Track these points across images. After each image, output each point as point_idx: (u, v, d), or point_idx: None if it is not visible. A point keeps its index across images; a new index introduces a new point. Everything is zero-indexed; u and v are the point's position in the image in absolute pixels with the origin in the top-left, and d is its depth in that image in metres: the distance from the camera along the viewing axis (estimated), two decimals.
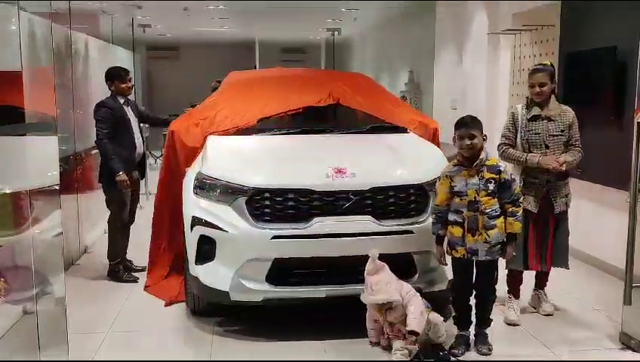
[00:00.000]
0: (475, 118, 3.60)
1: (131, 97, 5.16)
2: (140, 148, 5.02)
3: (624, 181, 3.85)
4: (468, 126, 3.51)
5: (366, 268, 3.52)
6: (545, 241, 4.00)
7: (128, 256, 5.09)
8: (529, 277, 4.21)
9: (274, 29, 13.42)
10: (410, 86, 11.04)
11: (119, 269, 4.91)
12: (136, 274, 4.94)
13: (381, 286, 3.47)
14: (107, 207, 4.94)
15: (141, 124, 5.21)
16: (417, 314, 3.44)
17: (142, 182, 5.39)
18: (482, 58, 7.53)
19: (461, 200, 3.51)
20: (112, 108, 4.79)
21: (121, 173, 4.67)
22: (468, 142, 3.47)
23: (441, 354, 3.54)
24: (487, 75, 7.41)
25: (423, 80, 10.48)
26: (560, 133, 3.94)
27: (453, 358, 3.54)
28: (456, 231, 3.52)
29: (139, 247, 5.06)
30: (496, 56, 7.28)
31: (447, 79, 8.95)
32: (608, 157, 4.97)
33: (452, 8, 8.57)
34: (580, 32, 5.49)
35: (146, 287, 4.68)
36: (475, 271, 3.62)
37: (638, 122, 3.50)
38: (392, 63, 12.42)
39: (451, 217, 3.55)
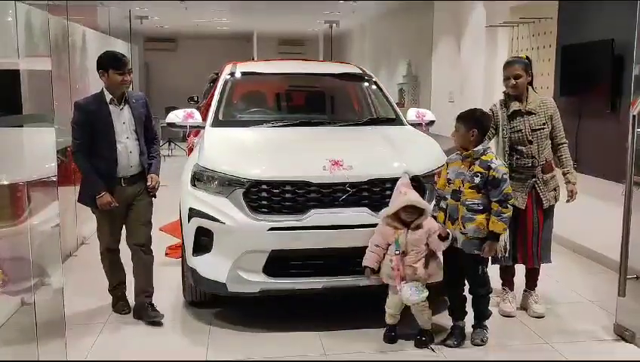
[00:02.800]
0: (472, 112, 3.63)
1: (139, 94, 4.14)
2: (127, 159, 3.87)
3: (620, 173, 3.86)
4: (459, 119, 3.62)
5: (399, 181, 3.64)
6: (535, 237, 3.95)
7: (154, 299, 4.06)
8: (522, 273, 4.21)
9: (272, 20, 13.38)
10: (408, 78, 11.02)
11: (116, 296, 4.11)
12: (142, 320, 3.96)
13: (410, 190, 3.58)
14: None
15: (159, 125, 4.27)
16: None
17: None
18: (480, 51, 7.53)
19: (449, 187, 3.59)
20: (87, 110, 3.80)
21: (102, 193, 3.77)
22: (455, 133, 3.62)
23: (423, 339, 3.62)
24: (485, 68, 7.41)
25: (420, 72, 10.47)
26: (542, 126, 3.91)
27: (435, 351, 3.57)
28: (440, 216, 3.62)
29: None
30: (494, 49, 7.28)
31: (445, 72, 8.95)
32: (604, 150, 4.99)
33: (450, 5, 8.55)
34: (577, 25, 5.49)
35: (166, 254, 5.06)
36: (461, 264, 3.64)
37: (633, 115, 3.50)
38: (390, 55, 12.40)
39: (442, 203, 3.63)
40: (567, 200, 4.01)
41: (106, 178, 3.82)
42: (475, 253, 3.54)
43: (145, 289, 4.00)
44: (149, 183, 3.97)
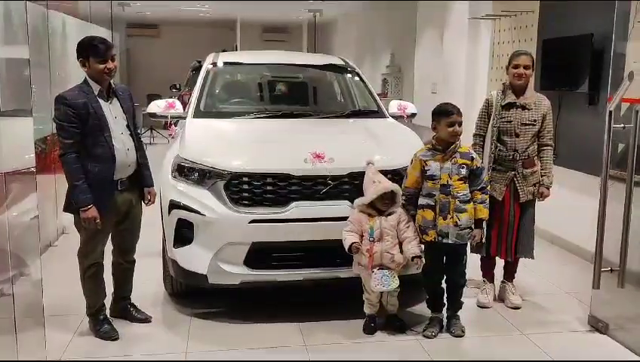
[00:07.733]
0: (454, 105, 3.67)
1: (123, 87, 3.76)
2: (125, 157, 3.52)
3: (597, 167, 3.92)
4: (457, 113, 3.60)
5: (368, 171, 3.66)
6: (510, 229, 4.03)
7: (133, 298, 3.93)
8: (502, 264, 4.27)
9: (255, 8, 13.28)
10: (392, 69, 11.04)
11: (98, 320, 3.67)
12: (121, 328, 3.69)
13: (383, 178, 3.61)
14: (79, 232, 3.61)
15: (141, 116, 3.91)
16: (416, 239, 3.61)
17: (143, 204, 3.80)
18: (463, 43, 7.55)
19: (434, 183, 3.59)
20: (74, 105, 3.35)
21: (89, 206, 3.37)
22: (458, 128, 3.57)
23: (397, 323, 3.74)
24: (468, 60, 7.44)
25: (404, 63, 10.48)
26: (532, 122, 3.97)
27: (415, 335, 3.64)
28: (428, 214, 3.59)
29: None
30: (477, 41, 7.31)
31: (428, 63, 8.97)
32: (583, 144, 5.06)
33: None
34: (558, 19, 5.54)
35: None
36: (445, 255, 3.70)
37: (610, 110, 3.55)
38: (374, 45, 12.39)
39: (423, 201, 3.62)
40: (538, 200, 4.09)
41: (102, 183, 3.43)
42: (465, 241, 3.62)
43: (126, 294, 3.89)
44: (147, 199, 3.74)
